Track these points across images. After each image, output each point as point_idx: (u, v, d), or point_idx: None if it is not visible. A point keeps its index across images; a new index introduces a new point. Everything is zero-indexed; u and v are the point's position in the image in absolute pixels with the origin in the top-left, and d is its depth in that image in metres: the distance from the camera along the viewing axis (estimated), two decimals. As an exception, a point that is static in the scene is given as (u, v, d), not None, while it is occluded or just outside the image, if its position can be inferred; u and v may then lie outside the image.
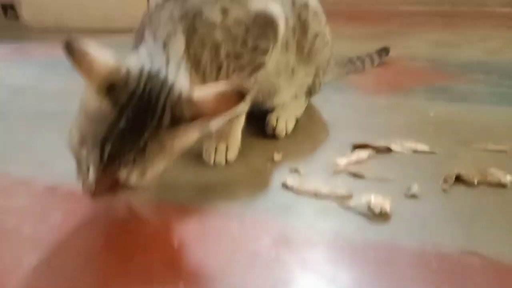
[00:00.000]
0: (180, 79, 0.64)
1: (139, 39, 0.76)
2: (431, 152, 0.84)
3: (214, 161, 0.84)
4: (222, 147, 0.85)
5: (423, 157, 0.83)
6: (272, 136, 0.95)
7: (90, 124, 0.58)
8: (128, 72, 0.60)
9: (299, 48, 0.92)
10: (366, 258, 0.58)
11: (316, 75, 1.01)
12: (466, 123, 0.97)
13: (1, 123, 1.12)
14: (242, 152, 0.87)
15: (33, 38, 2.22)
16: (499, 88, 1.18)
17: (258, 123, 0.97)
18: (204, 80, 0.75)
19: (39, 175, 0.84)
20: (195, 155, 0.85)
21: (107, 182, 0.58)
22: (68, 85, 1.34)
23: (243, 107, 0.57)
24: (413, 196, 0.70)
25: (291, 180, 0.76)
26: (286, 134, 0.95)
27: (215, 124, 0.60)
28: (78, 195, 0.61)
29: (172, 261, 0.60)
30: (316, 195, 0.72)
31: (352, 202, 0.69)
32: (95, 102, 0.58)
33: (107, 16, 2.28)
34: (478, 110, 1.05)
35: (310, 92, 1.04)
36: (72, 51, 0.57)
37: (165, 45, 0.70)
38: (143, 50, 0.69)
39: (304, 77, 0.99)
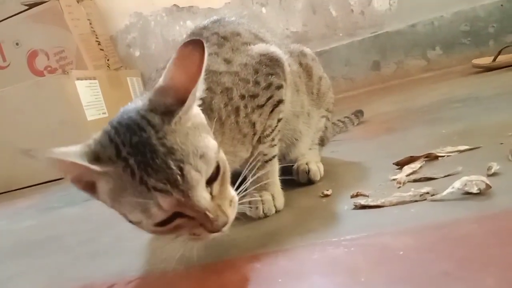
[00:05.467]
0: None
1: None
2: (476, 148, 0.82)
3: (264, 212, 0.75)
4: (268, 197, 0.76)
5: (472, 153, 0.81)
6: (306, 182, 0.88)
7: (128, 196, 0.51)
8: (95, 137, 0.55)
9: (309, 90, 0.93)
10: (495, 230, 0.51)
11: (327, 118, 1.00)
12: (480, 127, 0.99)
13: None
14: (286, 201, 0.79)
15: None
16: (479, 106, 1.24)
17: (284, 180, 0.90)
18: (222, 126, 0.71)
19: None
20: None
21: (203, 195, 0.52)
22: (41, 222, 1.23)
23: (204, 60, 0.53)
24: (495, 174, 0.66)
25: (362, 200, 0.68)
26: (320, 176, 0.89)
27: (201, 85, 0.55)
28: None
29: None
30: (401, 202, 0.65)
31: (444, 193, 0.62)
32: (106, 184, 0.53)
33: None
34: (477, 118, 1.07)
35: (323, 140, 1.03)
36: (32, 155, 0.50)
37: None
38: None
39: (318, 122, 0.98)
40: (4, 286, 0.77)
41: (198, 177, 0.51)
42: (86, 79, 2.16)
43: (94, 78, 2.23)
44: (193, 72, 0.53)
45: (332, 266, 0.53)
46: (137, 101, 0.58)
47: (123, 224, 0.91)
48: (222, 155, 0.57)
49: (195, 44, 0.53)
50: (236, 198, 0.58)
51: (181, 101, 0.52)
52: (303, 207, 0.76)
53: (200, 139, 0.54)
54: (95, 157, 0.52)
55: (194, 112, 0.56)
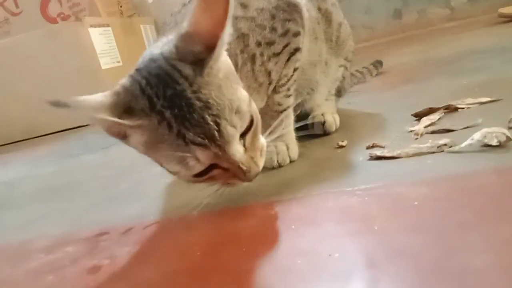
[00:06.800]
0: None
1: None
2: (497, 100, 0.79)
3: (278, 162, 0.75)
4: (282, 146, 0.76)
5: (494, 105, 0.78)
6: (321, 133, 0.87)
7: (164, 148, 0.52)
8: (123, 85, 0.54)
9: (327, 37, 0.90)
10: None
11: (345, 68, 0.98)
12: (503, 79, 0.96)
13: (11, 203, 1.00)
14: (301, 151, 0.79)
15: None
16: (503, 57, 1.19)
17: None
18: (238, 72, 0.68)
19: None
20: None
21: (238, 149, 0.53)
22: (61, 168, 1.26)
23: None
24: (518, 126, 0.64)
25: (378, 151, 0.68)
26: (335, 128, 0.88)
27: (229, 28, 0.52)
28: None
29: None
30: (418, 153, 0.64)
31: (462, 144, 0.61)
32: (141, 136, 0.53)
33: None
34: (500, 70, 1.04)
35: (340, 91, 1.01)
36: (65, 105, 0.49)
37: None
38: None
39: (336, 71, 0.96)
40: (27, 228, 0.80)
41: (233, 132, 0.52)
42: (99, 27, 2.13)
43: (108, 26, 2.20)
44: (219, 15, 0.50)
45: (345, 214, 0.54)
46: (160, 45, 0.56)
47: (141, 171, 0.93)
48: (253, 106, 0.57)
49: None
50: (265, 145, 0.60)
51: (210, 48, 0.50)
52: (317, 158, 0.76)
53: (232, 91, 0.53)
54: (126, 108, 0.52)
55: (223, 59, 0.55)
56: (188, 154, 0.51)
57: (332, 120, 0.87)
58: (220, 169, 0.54)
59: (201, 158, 0.51)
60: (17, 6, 2.49)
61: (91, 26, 2.05)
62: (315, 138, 0.87)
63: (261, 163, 0.57)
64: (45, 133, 2.12)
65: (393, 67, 1.51)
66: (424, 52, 1.66)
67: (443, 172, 0.57)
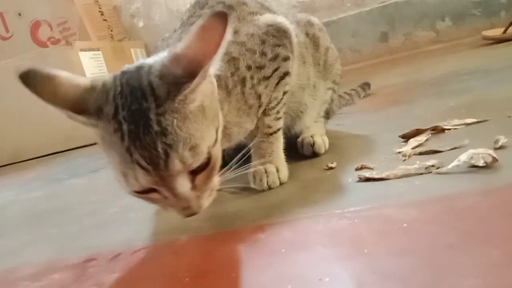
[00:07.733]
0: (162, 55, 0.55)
1: None
2: (483, 121, 0.81)
3: (268, 185, 0.75)
4: (272, 169, 0.76)
5: (480, 126, 0.80)
6: (311, 155, 0.88)
7: (113, 155, 0.52)
8: (104, 83, 0.54)
9: (315, 61, 0.92)
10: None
11: (333, 91, 0.99)
12: (488, 100, 0.98)
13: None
14: (290, 173, 0.79)
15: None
16: (487, 79, 1.22)
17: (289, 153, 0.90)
18: (229, 94, 0.70)
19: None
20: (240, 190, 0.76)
21: (183, 184, 0.51)
22: (48, 193, 1.25)
23: (230, 34, 0.50)
24: (502, 147, 0.65)
25: (367, 173, 0.68)
26: (324, 149, 0.88)
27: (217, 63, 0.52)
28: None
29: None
30: (406, 175, 0.64)
31: (450, 166, 0.62)
32: (98, 132, 0.53)
33: (68, 137, 2.15)
34: (485, 91, 1.06)
35: (328, 113, 1.02)
36: (28, 84, 0.51)
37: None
38: None
39: (324, 94, 0.97)
40: (13, 255, 0.78)
41: (180, 168, 0.50)
42: (89, 50, 2.14)
43: (98, 49, 2.21)
44: (211, 47, 0.50)
45: (335, 237, 0.53)
46: (156, 57, 0.56)
47: (130, 195, 0.92)
48: (217, 149, 0.55)
49: (218, 17, 0.49)
50: (217, 186, 0.57)
51: (192, 74, 0.50)
52: (307, 180, 0.77)
53: (197, 127, 0.52)
54: (96, 105, 0.52)
55: (205, 89, 0.54)
56: (130, 171, 0.50)
57: (321, 141, 0.88)
58: (160, 195, 0.53)
59: (141, 180, 0.50)
60: (7, 31, 2.49)
61: (81, 50, 2.06)
62: (304, 159, 0.87)
63: (205, 203, 0.55)
64: (31, 157, 2.10)
65: (380, 89, 1.53)
66: (411, 74, 1.69)
67: (431, 194, 0.57)
